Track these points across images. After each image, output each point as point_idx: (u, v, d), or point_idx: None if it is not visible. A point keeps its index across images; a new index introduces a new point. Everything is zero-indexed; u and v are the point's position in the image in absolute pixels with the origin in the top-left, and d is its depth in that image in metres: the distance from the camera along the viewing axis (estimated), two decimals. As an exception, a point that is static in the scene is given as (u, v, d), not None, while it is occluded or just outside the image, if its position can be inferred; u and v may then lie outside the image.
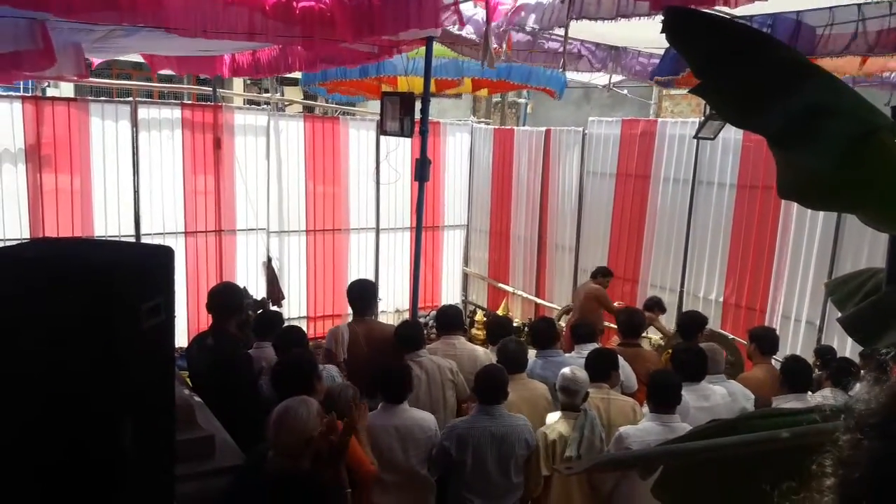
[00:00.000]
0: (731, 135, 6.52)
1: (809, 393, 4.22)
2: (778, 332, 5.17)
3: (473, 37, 4.37)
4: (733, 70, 1.44)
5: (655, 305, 6.48)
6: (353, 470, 2.93)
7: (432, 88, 5.57)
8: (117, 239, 7.02)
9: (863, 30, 3.56)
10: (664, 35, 1.56)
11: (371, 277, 8.58)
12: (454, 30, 4.21)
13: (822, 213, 5.86)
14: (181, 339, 5.94)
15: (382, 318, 8.69)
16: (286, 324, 5.04)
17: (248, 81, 14.05)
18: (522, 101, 11.67)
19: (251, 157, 7.86)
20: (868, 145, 1.31)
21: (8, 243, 5.48)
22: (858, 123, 1.36)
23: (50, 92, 10.63)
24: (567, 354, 4.73)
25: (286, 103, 10.73)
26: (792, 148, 1.50)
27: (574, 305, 7.07)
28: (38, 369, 1.98)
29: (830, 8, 3.59)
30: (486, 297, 10.01)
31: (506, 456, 3.59)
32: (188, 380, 4.22)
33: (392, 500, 3.59)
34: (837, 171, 1.43)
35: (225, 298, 4.20)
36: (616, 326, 5.72)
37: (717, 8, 3.09)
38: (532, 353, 4.64)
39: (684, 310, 6.71)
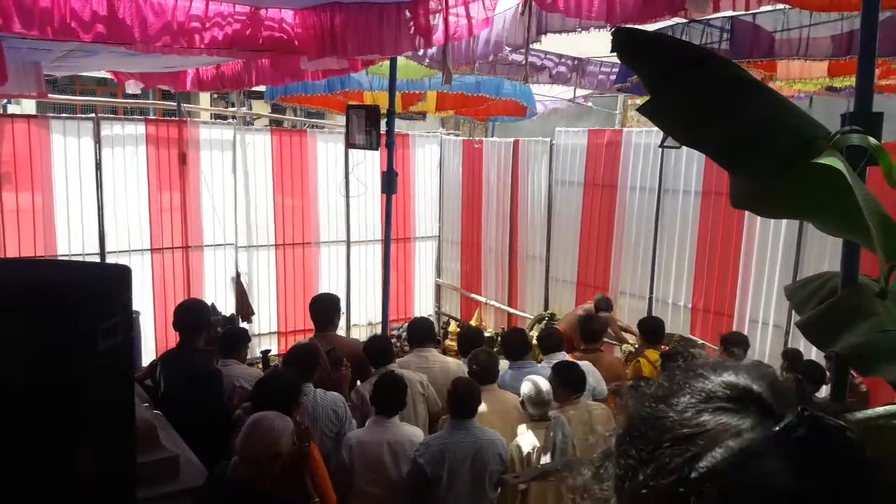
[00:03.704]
0: (695, 143, 6.59)
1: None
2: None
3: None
4: (677, 90, 1.47)
5: (607, 304, 6.55)
6: (318, 490, 2.92)
7: (398, 107, 5.59)
8: (81, 258, 6.90)
9: (815, 35, 3.66)
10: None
11: (343, 290, 8.54)
12: (420, 52, 4.23)
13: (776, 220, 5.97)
14: (149, 357, 5.85)
15: (354, 332, 8.66)
16: (255, 340, 4.99)
17: (215, 95, 13.95)
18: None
19: (217, 171, 7.78)
20: (807, 156, 1.34)
21: (-33, 264, 5.34)
22: (798, 136, 1.40)
23: (11, 109, 10.45)
24: (539, 365, 4.74)
25: (254, 117, 10.67)
26: (738, 163, 1.53)
27: (566, 319, 7.00)
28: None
29: (783, 10, 3.67)
30: (460, 308, 10.01)
31: (480, 471, 3.58)
32: (153, 399, 4.15)
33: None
34: (781, 182, 1.46)
35: (191, 315, 4.16)
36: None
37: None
38: (504, 363, 4.65)
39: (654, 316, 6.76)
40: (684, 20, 4.06)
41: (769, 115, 1.46)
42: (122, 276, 2.25)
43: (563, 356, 4.78)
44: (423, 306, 9.83)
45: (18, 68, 4.10)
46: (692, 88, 1.49)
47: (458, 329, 8.78)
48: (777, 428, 0.58)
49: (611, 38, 1.61)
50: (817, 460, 0.57)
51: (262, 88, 7.80)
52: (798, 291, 2.46)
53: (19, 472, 1.97)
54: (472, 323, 9.00)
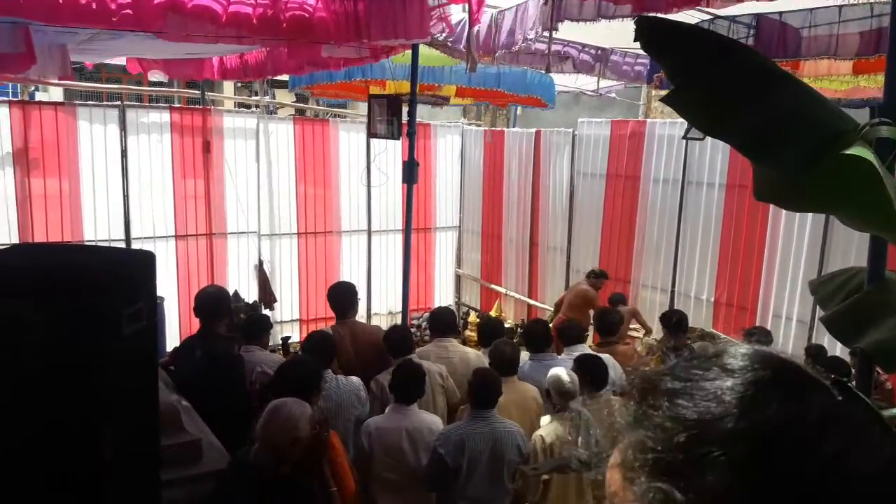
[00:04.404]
0: (720, 135, 6.53)
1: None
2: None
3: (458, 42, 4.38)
4: (702, 79, 1.45)
5: (620, 300, 6.55)
6: (336, 479, 2.94)
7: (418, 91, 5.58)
8: (107, 244, 7.00)
9: (843, 32, 3.59)
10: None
11: (363, 279, 8.58)
12: (441, 37, 4.21)
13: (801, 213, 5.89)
14: (173, 343, 5.93)
15: (375, 321, 8.70)
16: (277, 327, 5.04)
17: (239, 84, 14.03)
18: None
19: (241, 160, 7.84)
20: (836, 148, 1.32)
21: (-4, 248, 5.44)
22: (827, 128, 1.38)
23: (39, 96, 10.61)
24: (560, 356, 4.72)
25: (277, 106, 10.72)
26: (764, 155, 1.51)
27: (564, 301, 7.09)
28: (16, 377, 1.97)
29: (811, 9, 3.61)
30: (479, 299, 10.01)
31: (499, 461, 3.58)
32: (176, 384, 4.21)
33: (398, 499, 3.65)
34: (808, 175, 1.44)
35: (212, 302, 4.20)
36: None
37: (701, 7, 3.10)
38: (524, 355, 4.65)
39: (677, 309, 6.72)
40: (709, 16, 4.00)
41: (798, 107, 1.43)
42: (146, 261, 2.28)
43: (584, 348, 4.77)
44: (442, 296, 9.84)
45: (44, 51, 4.13)
46: (718, 78, 1.47)
47: (478, 320, 8.79)
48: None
49: (634, 26, 1.59)
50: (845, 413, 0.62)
51: (285, 78, 7.85)
52: (823, 286, 2.43)
53: (45, 453, 2.01)
54: (492, 314, 9.00)
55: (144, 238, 7.29)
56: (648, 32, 1.57)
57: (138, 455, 2.31)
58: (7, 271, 2.13)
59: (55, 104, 7.15)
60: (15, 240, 6.74)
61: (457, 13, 4.21)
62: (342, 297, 4.77)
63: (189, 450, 3.09)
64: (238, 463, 2.83)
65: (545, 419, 3.83)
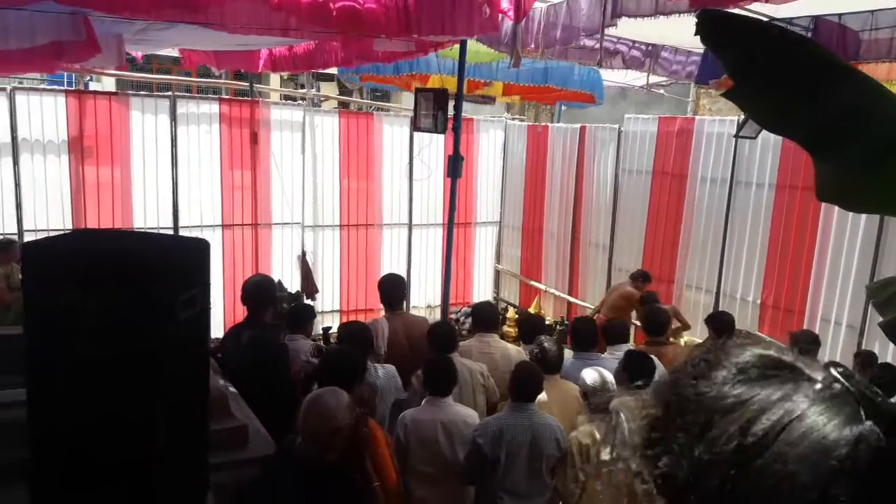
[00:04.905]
0: (772, 135, 6.39)
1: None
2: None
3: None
4: (768, 74, 1.42)
5: (653, 299, 6.45)
6: (378, 471, 2.96)
7: (465, 89, 5.58)
8: (155, 232, 7.16)
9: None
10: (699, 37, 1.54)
11: (403, 273, 8.62)
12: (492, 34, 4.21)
13: (864, 214, 5.72)
14: (217, 331, 6.05)
15: (414, 314, 8.74)
16: (317, 317, 5.10)
17: (285, 77, 14.19)
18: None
19: (287, 151, 7.95)
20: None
21: (51, 234, 5.63)
22: (894, 126, 1.33)
23: (92, 86, 10.88)
24: (604, 356, 4.68)
25: (322, 99, 10.82)
26: (828, 152, 1.47)
27: (605, 302, 7.02)
28: (77, 358, 2.03)
29: (872, 11, 3.49)
30: (518, 295, 9.98)
31: (538, 455, 3.57)
32: (223, 370, 4.30)
33: (435, 492, 3.65)
34: (875, 174, 1.40)
35: (260, 290, 4.27)
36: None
37: (756, 9, 3.03)
38: (568, 353, 4.62)
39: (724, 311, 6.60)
40: (764, 17, 3.91)
41: (864, 103, 1.39)
42: (201, 249, 2.32)
43: (628, 348, 4.71)
44: (481, 292, 9.85)
45: (102, 41, 4.24)
46: (782, 72, 1.44)
47: (516, 316, 8.77)
48: (818, 386, 0.62)
49: (695, 19, 1.56)
50: (860, 408, 0.60)
51: (331, 71, 7.92)
52: (880, 291, 2.36)
53: (101, 437, 2.07)
54: (531, 310, 8.96)
55: (192, 227, 7.45)
56: (710, 26, 1.54)
57: (189, 438, 2.36)
58: (66, 256, 2.19)
59: (109, 94, 7.34)
60: (69, 226, 6.96)
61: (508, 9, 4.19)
62: (393, 288, 4.81)
63: (236, 435, 3.14)
64: (284, 451, 2.87)
65: (581, 419, 3.80)
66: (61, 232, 6.26)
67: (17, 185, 6.80)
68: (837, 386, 0.62)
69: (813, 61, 1.47)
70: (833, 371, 0.64)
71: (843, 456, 0.57)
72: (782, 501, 0.57)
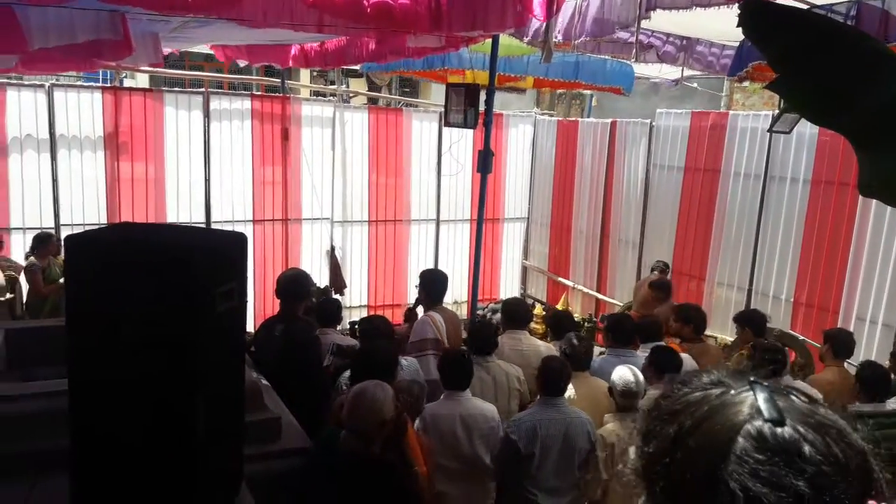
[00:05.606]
0: (807, 129, 6.28)
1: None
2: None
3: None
4: (812, 65, 1.39)
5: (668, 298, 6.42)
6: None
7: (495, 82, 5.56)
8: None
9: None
10: (740, 28, 1.52)
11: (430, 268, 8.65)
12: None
13: (902, 211, 5.59)
14: (248, 324, 6.11)
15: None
16: (344, 312, 5.14)
17: (315, 73, 14.28)
18: (588, 92, 11.54)
19: (317, 147, 8.01)
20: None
21: (87, 228, 5.74)
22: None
23: (126, 83, 11.05)
24: (637, 354, 4.63)
25: (351, 94, 10.87)
26: (875, 144, 1.45)
27: (635, 298, 6.97)
28: (118, 348, 2.07)
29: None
30: (546, 291, 9.94)
31: (570, 448, 3.57)
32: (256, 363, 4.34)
33: (455, 487, 3.65)
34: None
35: (295, 284, 4.30)
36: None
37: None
38: (597, 349, 4.59)
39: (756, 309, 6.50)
40: (805, 5, 3.83)
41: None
42: (239, 242, 2.35)
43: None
44: (508, 288, 9.83)
45: (138, 39, 4.31)
46: (828, 63, 1.42)
47: (543, 312, 8.73)
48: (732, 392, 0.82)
49: (729, 11, 1.54)
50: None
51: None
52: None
53: (144, 421, 2.11)
54: (559, 307, 8.92)
55: (224, 221, 7.55)
56: (754, 17, 1.52)
57: (225, 429, 2.39)
58: (108, 246, 2.23)
59: (144, 90, 7.46)
60: (104, 221, 7.08)
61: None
62: (437, 284, 4.85)
63: (269, 427, 3.17)
64: (324, 444, 2.89)
65: (607, 417, 3.78)
66: (97, 226, 6.38)
67: (55, 180, 6.95)
68: (745, 394, 0.81)
69: (860, 51, 1.45)
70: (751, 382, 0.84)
71: (728, 440, 0.76)
72: (698, 471, 0.77)
